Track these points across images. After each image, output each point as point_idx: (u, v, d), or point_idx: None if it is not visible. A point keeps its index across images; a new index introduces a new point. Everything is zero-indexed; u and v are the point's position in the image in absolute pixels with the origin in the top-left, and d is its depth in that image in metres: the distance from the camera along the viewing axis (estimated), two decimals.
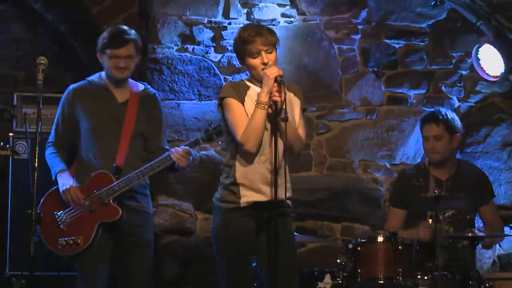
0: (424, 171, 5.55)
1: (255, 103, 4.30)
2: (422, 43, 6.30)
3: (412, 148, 6.23)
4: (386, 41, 6.29)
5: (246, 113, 4.35)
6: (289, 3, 6.17)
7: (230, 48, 5.88)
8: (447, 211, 5.26)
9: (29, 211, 4.40)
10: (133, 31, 4.86)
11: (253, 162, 4.35)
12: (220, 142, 4.85)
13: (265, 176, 4.35)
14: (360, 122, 6.25)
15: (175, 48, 6.03)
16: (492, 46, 5.92)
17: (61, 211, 4.76)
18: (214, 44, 6.08)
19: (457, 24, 6.26)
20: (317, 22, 6.21)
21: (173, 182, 5.89)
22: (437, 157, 5.50)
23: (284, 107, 4.23)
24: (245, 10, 6.12)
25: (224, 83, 5.98)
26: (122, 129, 4.80)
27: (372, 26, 6.26)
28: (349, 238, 5.82)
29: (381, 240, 4.94)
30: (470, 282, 4.91)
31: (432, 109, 5.72)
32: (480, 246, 5.17)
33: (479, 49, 5.96)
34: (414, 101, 6.29)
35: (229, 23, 6.07)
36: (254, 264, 4.48)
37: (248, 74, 4.50)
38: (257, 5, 6.12)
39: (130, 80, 4.92)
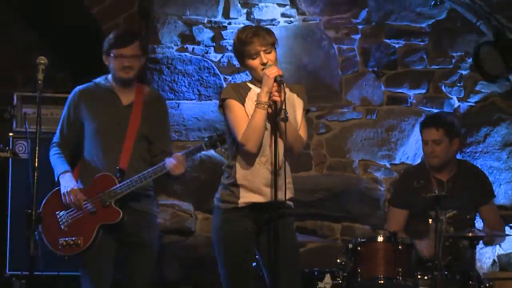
0: (425, 172, 5.55)
1: (255, 103, 4.30)
2: (422, 43, 6.30)
3: (412, 148, 6.23)
4: (386, 41, 6.28)
5: (246, 114, 4.34)
6: (289, 3, 6.16)
7: (230, 48, 5.87)
8: (448, 212, 5.26)
9: (29, 211, 4.40)
10: (138, 33, 4.90)
11: (254, 163, 4.35)
12: (224, 150, 4.86)
13: (265, 177, 4.35)
14: (360, 122, 6.25)
15: (175, 48, 6.03)
16: (492, 46, 5.93)
17: (63, 212, 4.79)
18: (214, 44, 6.08)
19: (457, 24, 6.26)
20: (317, 22, 6.21)
21: (173, 182, 5.89)
22: (436, 161, 5.50)
23: (284, 107, 4.23)
24: (245, 10, 6.11)
25: (224, 83, 5.99)
26: (126, 131, 4.83)
27: (372, 26, 6.26)
28: (349, 238, 5.82)
29: (381, 240, 4.95)
30: (470, 282, 4.92)
31: (432, 112, 5.72)
32: (480, 246, 5.17)
33: (479, 49, 5.97)
34: (414, 101, 6.29)
35: (229, 23, 6.07)
36: (254, 264, 4.49)
37: (250, 76, 4.50)
38: (257, 5, 6.12)
39: (136, 83, 4.95)
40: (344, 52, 6.25)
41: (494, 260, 6.20)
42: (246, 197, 4.36)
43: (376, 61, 6.26)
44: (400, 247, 4.86)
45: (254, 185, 4.35)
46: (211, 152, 5.89)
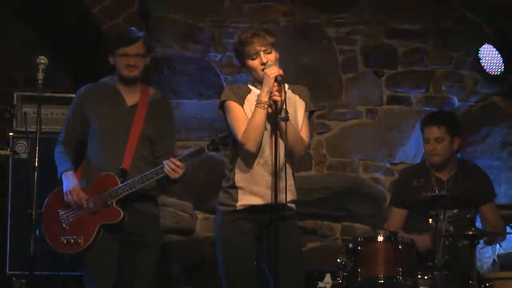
0: (425, 171, 5.55)
1: (255, 102, 4.29)
2: (422, 43, 6.30)
3: (412, 148, 6.23)
4: (386, 41, 6.29)
5: (246, 115, 4.34)
6: (289, 3, 6.17)
7: (230, 47, 5.88)
8: (448, 211, 5.26)
9: (29, 211, 4.40)
10: (142, 32, 4.94)
11: (253, 165, 4.33)
12: (225, 153, 4.85)
13: (265, 179, 4.33)
14: (360, 121, 6.25)
15: (175, 47, 6.03)
16: (492, 46, 5.93)
17: (65, 210, 4.79)
18: (214, 44, 6.08)
19: (457, 24, 6.26)
20: (317, 22, 6.21)
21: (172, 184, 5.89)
22: (437, 159, 5.49)
23: (284, 106, 4.22)
24: (245, 10, 6.11)
25: (224, 83, 5.99)
26: (130, 132, 4.82)
27: (372, 26, 6.26)
28: (349, 237, 5.82)
29: (381, 240, 4.94)
30: (470, 282, 4.91)
31: (433, 110, 5.72)
32: (480, 246, 5.17)
33: (479, 49, 5.97)
34: (414, 101, 6.29)
35: (229, 23, 6.07)
36: (255, 265, 4.48)
37: (250, 77, 4.49)
38: (257, 4, 6.12)
39: (141, 84, 4.95)
40: (344, 52, 6.25)
41: (494, 260, 6.20)
42: (244, 200, 4.35)
43: (376, 61, 6.26)
44: (400, 247, 4.85)
45: (252, 187, 4.34)
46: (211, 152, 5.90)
